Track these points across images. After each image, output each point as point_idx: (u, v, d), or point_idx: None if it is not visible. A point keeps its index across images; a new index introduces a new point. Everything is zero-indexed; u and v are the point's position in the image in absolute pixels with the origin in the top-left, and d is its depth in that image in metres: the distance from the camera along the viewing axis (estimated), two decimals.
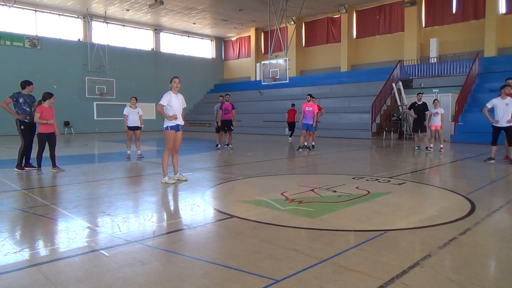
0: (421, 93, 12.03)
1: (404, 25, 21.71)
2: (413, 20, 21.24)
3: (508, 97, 8.73)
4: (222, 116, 12.34)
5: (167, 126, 6.43)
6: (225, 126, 12.48)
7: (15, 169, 7.75)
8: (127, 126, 10.20)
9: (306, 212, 4.59)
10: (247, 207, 4.83)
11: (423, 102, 11.69)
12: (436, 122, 11.46)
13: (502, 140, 9.00)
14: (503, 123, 8.75)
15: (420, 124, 11.69)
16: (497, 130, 8.90)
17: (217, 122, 12.55)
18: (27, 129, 7.76)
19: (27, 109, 7.74)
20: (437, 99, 11.98)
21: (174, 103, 6.42)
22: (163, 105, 6.37)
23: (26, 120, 7.71)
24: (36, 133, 7.73)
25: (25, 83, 7.86)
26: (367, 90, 20.50)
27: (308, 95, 12.21)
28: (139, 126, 10.36)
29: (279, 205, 4.83)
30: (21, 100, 7.70)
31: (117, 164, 9.29)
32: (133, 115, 10.25)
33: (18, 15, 22.42)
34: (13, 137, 8.63)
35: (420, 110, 11.63)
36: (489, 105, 8.95)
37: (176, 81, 6.48)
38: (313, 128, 11.89)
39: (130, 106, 10.32)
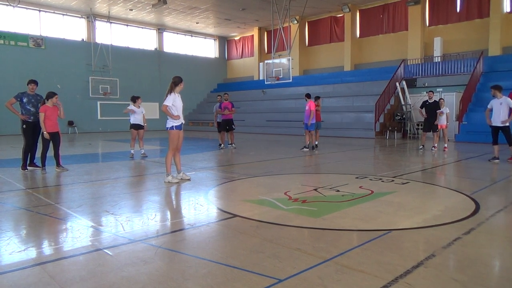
0: (432, 91, 11.92)
1: (408, 24, 21.60)
2: (417, 19, 21.13)
3: (504, 97, 8.81)
4: (222, 115, 12.37)
5: (172, 126, 6.48)
6: (227, 125, 12.49)
7: (21, 170, 7.79)
8: (131, 124, 10.28)
9: (309, 211, 4.58)
10: (250, 206, 4.83)
11: (434, 100, 11.55)
12: (441, 121, 11.40)
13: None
14: (497, 123, 8.83)
15: (431, 123, 11.54)
16: (493, 129, 9.00)
17: (218, 122, 12.60)
18: (30, 129, 7.76)
19: (32, 109, 7.74)
20: (442, 98, 11.91)
21: (178, 103, 6.52)
22: (168, 106, 6.42)
23: (29, 120, 7.73)
24: (41, 132, 7.76)
25: (28, 82, 7.90)
26: (371, 90, 20.44)
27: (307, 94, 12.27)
28: (143, 125, 10.42)
29: (282, 205, 4.83)
30: (25, 100, 7.71)
31: (121, 163, 9.32)
32: (138, 114, 10.31)
33: (22, 15, 22.50)
34: (18, 137, 8.63)
35: (431, 108, 11.50)
36: (489, 106, 9.13)
37: (182, 84, 6.58)
38: (307, 127, 11.76)
39: (134, 105, 10.38)
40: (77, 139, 18.63)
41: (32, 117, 7.73)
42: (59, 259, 3.15)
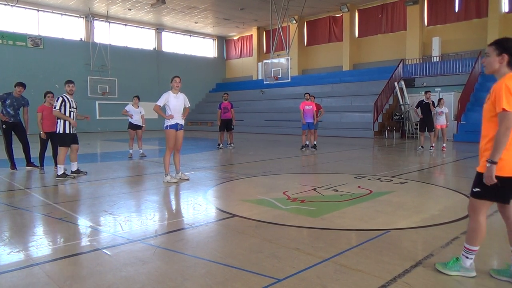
0: (429, 91, 11.91)
1: (407, 24, 21.63)
2: (415, 18, 21.16)
3: None
4: (221, 115, 12.38)
5: (167, 125, 6.50)
6: (226, 125, 12.51)
7: (10, 169, 7.75)
8: (130, 123, 10.28)
9: (308, 211, 4.59)
10: (249, 206, 4.83)
11: (431, 100, 11.56)
12: (441, 121, 11.40)
13: None
14: None
15: (425, 123, 11.56)
16: None
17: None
18: (9, 129, 7.72)
19: (11, 112, 7.67)
20: (442, 98, 11.92)
21: (173, 103, 6.48)
22: (159, 106, 6.43)
23: (9, 121, 7.67)
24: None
25: (15, 84, 7.83)
26: (369, 89, 20.45)
27: (306, 93, 12.21)
28: (141, 125, 10.41)
29: (281, 204, 4.83)
30: (8, 101, 7.64)
31: (119, 163, 9.30)
32: (135, 114, 10.29)
33: (21, 15, 22.44)
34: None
35: (426, 109, 11.51)
36: None
37: (177, 81, 6.54)
38: (314, 126, 11.84)
39: (132, 105, 10.37)
40: None
41: (12, 118, 7.70)
42: (58, 259, 3.14)
